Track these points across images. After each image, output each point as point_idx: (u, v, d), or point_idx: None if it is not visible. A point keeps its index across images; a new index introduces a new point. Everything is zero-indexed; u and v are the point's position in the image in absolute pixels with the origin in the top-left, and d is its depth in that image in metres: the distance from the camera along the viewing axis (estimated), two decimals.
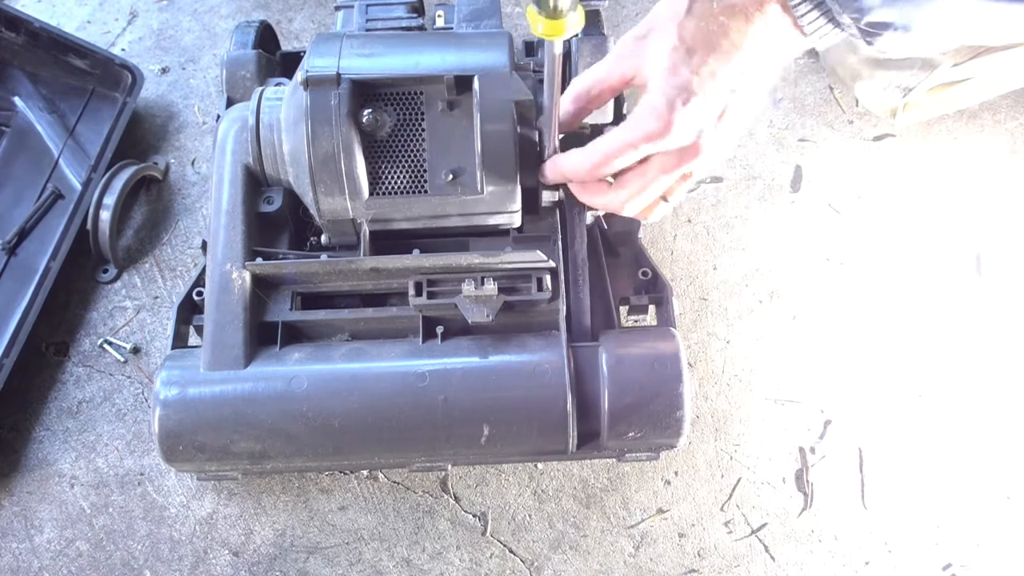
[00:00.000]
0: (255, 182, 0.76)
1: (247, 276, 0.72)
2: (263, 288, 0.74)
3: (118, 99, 1.02)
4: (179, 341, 0.76)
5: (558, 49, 0.61)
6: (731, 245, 0.97)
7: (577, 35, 0.60)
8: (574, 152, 0.67)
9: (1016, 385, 0.89)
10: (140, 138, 1.05)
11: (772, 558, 0.82)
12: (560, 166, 0.69)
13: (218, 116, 0.84)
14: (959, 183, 1.00)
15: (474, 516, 0.83)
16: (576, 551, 0.82)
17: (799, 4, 0.54)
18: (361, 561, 0.81)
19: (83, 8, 1.16)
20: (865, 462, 0.86)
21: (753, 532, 0.83)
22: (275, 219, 0.76)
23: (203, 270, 0.76)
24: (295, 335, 0.74)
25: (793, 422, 0.88)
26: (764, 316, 0.93)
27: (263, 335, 0.73)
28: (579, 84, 0.67)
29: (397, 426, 0.69)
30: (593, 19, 0.81)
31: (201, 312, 0.76)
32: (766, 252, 0.97)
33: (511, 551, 0.82)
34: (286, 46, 1.12)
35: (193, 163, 1.03)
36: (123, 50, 1.12)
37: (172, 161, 1.03)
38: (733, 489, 0.85)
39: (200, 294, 0.76)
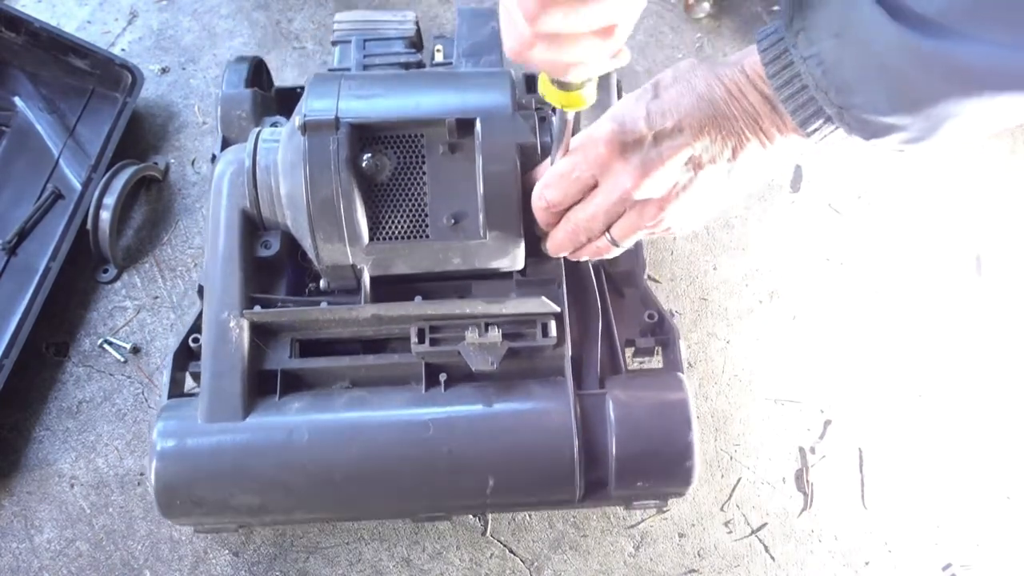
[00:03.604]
0: (252, 226, 0.74)
1: (245, 324, 0.71)
2: (261, 336, 0.72)
3: (118, 99, 1.02)
4: (175, 388, 0.75)
5: (570, 116, 0.60)
6: (731, 245, 0.97)
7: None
8: (537, 184, 0.66)
9: (1016, 385, 0.89)
10: (140, 138, 1.05)
11: (772, 558, 0.82)
12: (532, 202, 0.67)
13: (213, 156, 0.83)
14: (959, 183, 1.01)
15: (474, 516, 0.83)
16: (576, 551, 0.82)
17: (815, 129, 0.54)
18: (361, 561, 0.81)
19: (83, 8, 1.16)
20: (865, 462, 0.86)
21: (753, 532, 0.83)
22: (273, 264, 0.75)
23: (199, 316, 0.75)
24: (294, 382, 0.73)
25: (793, 422, 0.88)
26: (764, 316, 0.93)
27: (262, 383, 0.71)
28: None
29: (401, 478, 0.68)
30: (603, 82, 0.79)
31: (197, 359, 0.75)
32: (766, 252, 0.97)
33: (511, 551, 0.82)
34: (286, 47, 1.13)
35: (193, 163, 1.03)
36: (123, 50, 1.12)
37: (172, 161, 1.03)
38: (733, 489, 0.85)
39: (196, 341, 0.75)
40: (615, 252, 0.68)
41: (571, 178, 0.63)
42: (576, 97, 0.55)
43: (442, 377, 0.71)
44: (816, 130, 0.54)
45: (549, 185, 0.64)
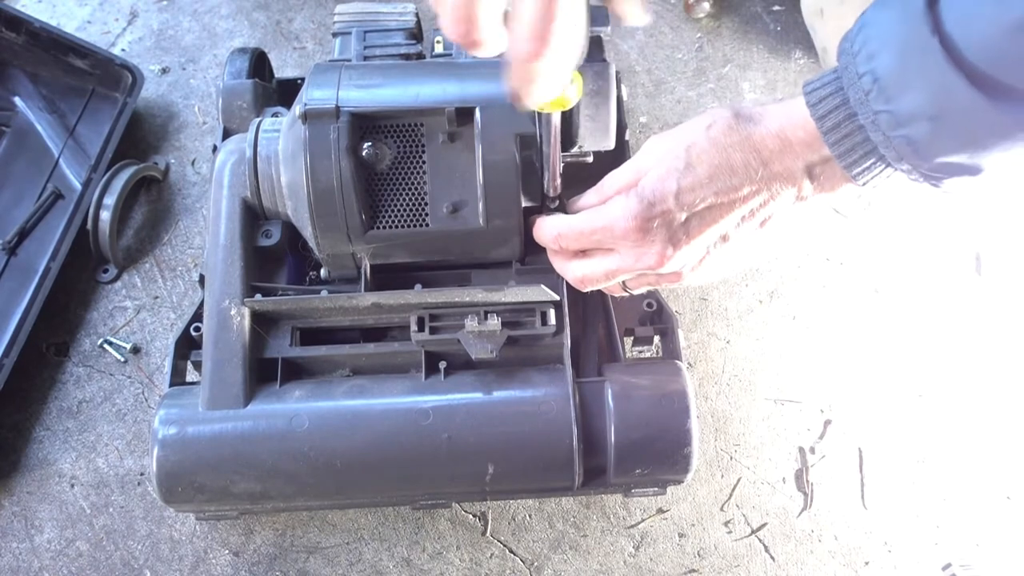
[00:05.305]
0: (253, 216, 0.75)
1: (246, 313, 0.71)
2: (262, 324, 0.73)
3: (118, 99, 1.02)
4: (177, 377, 0.75)
5: (556, 120, 0.60)
6: None
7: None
8: (551, 220, 0.67)
9: (1016, 385, 0.89)
10: (140, 138, 1.05)
11: (772, 558, 0.82)
12: (538, 229, 0.68)
13: (214, 147, 0.84)
14: None
15: (474, 516, 0.83)
16: (576, 551, 0.82)
17: (861, 172, 0.53)
18: (361, 561, 0.81)
19: (83, 8, 1.16)
20: (865, 462, 0.86)
21: (753, 532, 0.83)
22: (274, 253, 0.75)
23: (200, 304, 0.75)
24: (295, 371, 0.73)
25: (793, 422, 0.88)
26: (764, 316, 0.93)
27: (263, 372, 0.72)
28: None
29: (400, 465, 0.69)
30: (595, 45, 0.78)
31: (199, 347, 0.75)
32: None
33: (511, 551, 0.82)
34: (286, 47, 1.13)
35: (193, 163, 1.03)
36: (123, 50, 1.12)
37: (172, 161, 1.03)
38: (733, 489, 0.85)
39: (198, 329, 0.75)
40: (623, 295, 0.69)
41: (592, 239, 0.63)
42: (558, 99, 0.54)
43: (442, 365, 0.71)
44: (877, 183, 0.54)
45: (565, 236, 0.65)
